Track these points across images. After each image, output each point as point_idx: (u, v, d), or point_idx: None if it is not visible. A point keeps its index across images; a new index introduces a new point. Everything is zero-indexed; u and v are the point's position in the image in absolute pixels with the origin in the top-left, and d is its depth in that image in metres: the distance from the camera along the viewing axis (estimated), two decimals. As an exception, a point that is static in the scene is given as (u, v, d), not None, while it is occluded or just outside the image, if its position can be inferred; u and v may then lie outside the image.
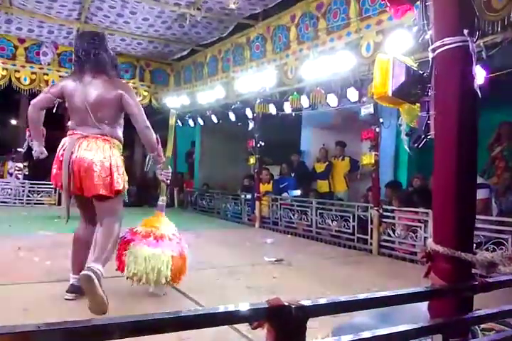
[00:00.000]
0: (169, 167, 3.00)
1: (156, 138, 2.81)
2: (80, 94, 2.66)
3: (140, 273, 2.64)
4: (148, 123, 2.75)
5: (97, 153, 2.57)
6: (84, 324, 0.83)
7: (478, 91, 1.54)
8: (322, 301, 1.15)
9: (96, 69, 2.71)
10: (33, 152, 2.87)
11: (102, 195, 2.59)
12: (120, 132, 2.80)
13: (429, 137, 1.57)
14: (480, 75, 3.33)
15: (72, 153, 2.57)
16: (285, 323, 1.06)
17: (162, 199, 3.08)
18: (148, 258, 2.64)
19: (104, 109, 2.67)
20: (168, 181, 2.99)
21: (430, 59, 1.60)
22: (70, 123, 2.76)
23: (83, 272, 2.34)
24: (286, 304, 1.08)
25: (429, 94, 1.57)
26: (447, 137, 1.45)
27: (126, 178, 2.75)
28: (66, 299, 2.63)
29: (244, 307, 1.02)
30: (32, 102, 2.78)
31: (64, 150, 2.61)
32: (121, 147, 2.78)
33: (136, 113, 2.71)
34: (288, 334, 1.06)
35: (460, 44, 1.50)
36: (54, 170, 2.67)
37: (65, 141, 2.67)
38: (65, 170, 2.55)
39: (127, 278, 2.72)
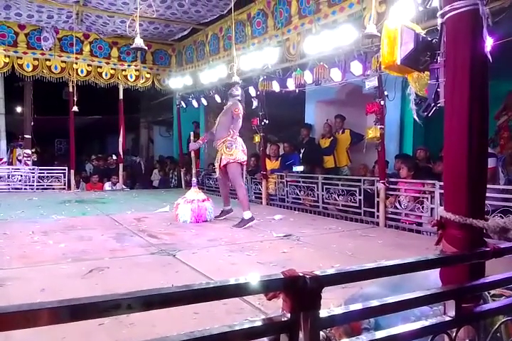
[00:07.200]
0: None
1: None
2: None
3: None
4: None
5: None
6: (101, 299, 0.86)
7: (489, 56, 1.51)
8: (335, 271, 1.16)
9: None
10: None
11: None
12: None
13: (439, 105, 1.54)
14: (488, 42, 3.25)
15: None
16: (300, 293, 1.08)
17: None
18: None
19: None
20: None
21: (439, 24, 1.56)
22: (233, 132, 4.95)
23: None
24: (301, 275, 1.09)
25: (439, 61, 1.53)
26: (458, 104, 1.42)
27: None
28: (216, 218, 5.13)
29: (261, 278, 1.04)
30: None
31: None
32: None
33: None
34: (303, 303, 1.08)
35: (471, 7, 1.45)
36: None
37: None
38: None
39: None
